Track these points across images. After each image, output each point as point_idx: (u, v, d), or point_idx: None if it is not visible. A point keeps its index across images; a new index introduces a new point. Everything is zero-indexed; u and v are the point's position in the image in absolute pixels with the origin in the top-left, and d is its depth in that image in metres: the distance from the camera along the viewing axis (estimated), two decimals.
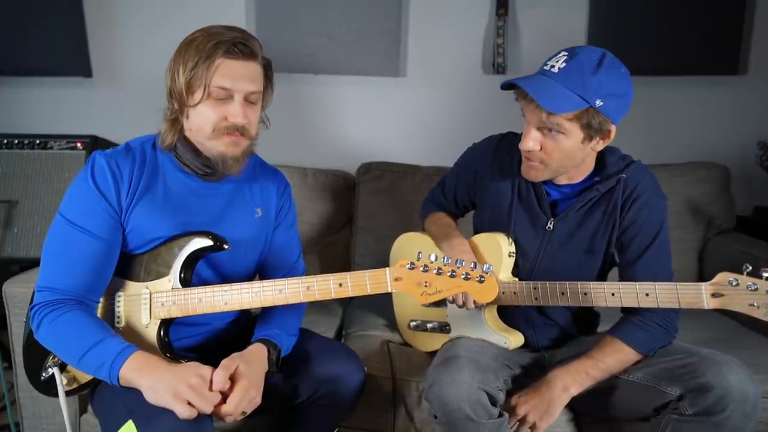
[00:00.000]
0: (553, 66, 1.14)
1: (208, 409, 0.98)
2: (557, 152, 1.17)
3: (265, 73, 1.15)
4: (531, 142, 1.18)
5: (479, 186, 1.42)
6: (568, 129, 1.14)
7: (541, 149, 1.18)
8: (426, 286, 1.09)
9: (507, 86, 1.19)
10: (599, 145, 1.19)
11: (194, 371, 1.00)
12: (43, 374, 1.14)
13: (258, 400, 1.07)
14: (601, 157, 1.29)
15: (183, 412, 0.95)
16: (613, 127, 1.17)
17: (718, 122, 2.29)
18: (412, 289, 1.09)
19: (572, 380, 1.21)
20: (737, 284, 1.03)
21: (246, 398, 1.04)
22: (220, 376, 1.01)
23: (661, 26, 2.19)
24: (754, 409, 1.08)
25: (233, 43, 1.06)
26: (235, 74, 1.07)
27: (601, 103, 1.11)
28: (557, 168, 1.21)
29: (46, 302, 1.06)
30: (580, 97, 1.10)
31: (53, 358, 1.13)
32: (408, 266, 1.09)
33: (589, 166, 1.27)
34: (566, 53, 1.14)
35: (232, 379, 1.03)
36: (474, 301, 1.24)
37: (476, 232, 1.42)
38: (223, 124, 1.09)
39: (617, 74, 1.13)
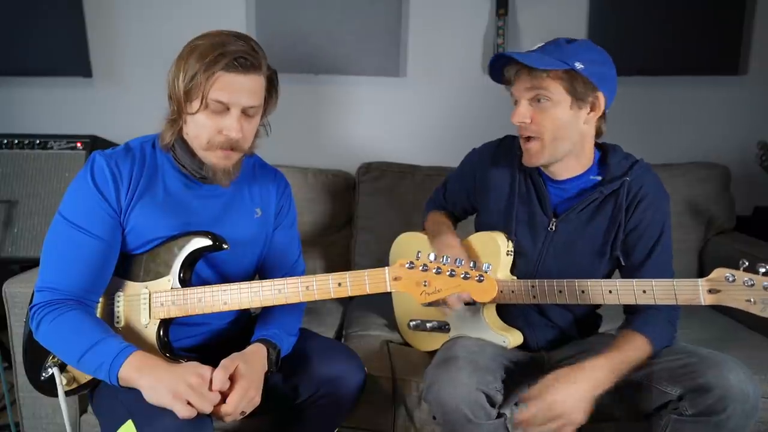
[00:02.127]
0: (531, 49, 1.22)
1: (207, 408, 0.98)
2: (548, 121, 1.19)
3: (269, 83, 1.14)
4: (519, 115, 1.20)
5: (479, 190, 1.42)
6: (553, 92, 1.17)
7: (531, 122, 1.20)
8: (425, 285, 1.08)
9: (495, 72, 1.25)
10: (591, 117, 1.21)
11: (194, 371, 1.00)
12: (43, 374, 1.14)
13: (257, 401, 1.07)
14: (604, 155, 1.29)
15: (182, 411, 0.95)
16: (600, 95, 1.19)
17: (718, 122, 2.29)
18: (411, 289, 1.09)
19: (605, 376, 1.12)
20: (733, 280, 1.03)
21: (245, 398, 1.04)
22: (220, 375, 1.01)
23: (661, 26, 2.19)
24: (755, 409, 1.07)
25: (235, 57, 1.04)
26: (234, 88, 1.06)
27: (581, 66, 1.15)
28: (553, 142, 1.20)
29: (45, 302, 1.06)
30: (560, 60, 1.15)
31: (53, 358, 1.13)
32: (407, 265, 1.09)
33: (589, 155, 1.27)
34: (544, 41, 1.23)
35: (232, 378, 1.03)
36: (473, 300, 1.23)
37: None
38: (217, 139, 1.09)
39: (592, 48, 1.20)
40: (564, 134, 1.20)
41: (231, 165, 1.13)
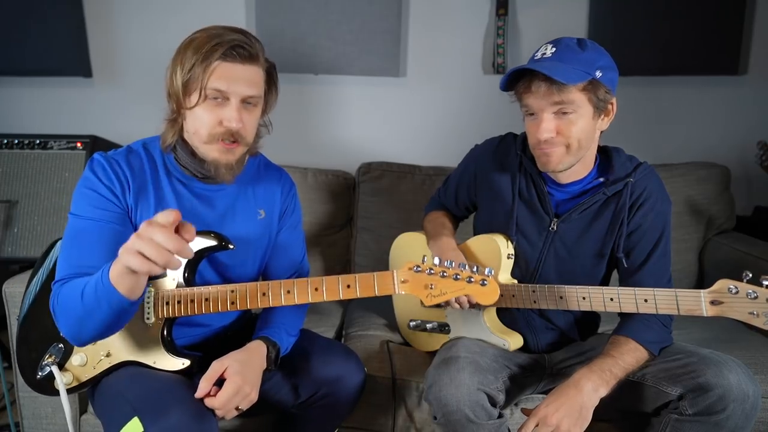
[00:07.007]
0: (544, 54, 1.17)
1: (160, 258, 0.82)
2: (573, 131, 1.16)
3: (268, 77, 1.14)
4: (546, 131, 1.16)
5: (479, 187, 1.42)
6: (578, 104, 1.15)
7: (557, 134, 1.17)
8: (431, 288, 1.09)
9: (507, 84, 1.19)
10: (604, 123, 1.21)
11: (146, 222, 0.84)
12: (40, 373, 1.14)
13: (254, 397, 1.07)
14: (606, 158, 1.29)
15: (136, 264, 0.83)
16: (614, 101, 1.19)
17: (718, 122, 2.30)
18: (418, 291, 1.10)
19: (600, 380, 1.13)
20: (737, 292, 1.02)
21: (239, 395, 1.04)
22: (203, 385, 1.02)
23: (661, 26, 2.19)
24: (754, 409, 1.08)
25: (232, 45, 1.04)
26: (232, 77, 1.05)
27: (600, 74, 1.14)
28: (577, 150, 1.19)
29: (62, 279, 1.04)
30: (582, 71, 1.13)
31: (50, 356, 1.13)
32: (414, 269, 1.10)
33: (591, 158, 1.26)
34: (549, 43, 1.18)
35: (224, 377, 1.04)
36: (474, 302, 1.24)
37: (476, 234, 1.42)
38: (218, 130, 1.07)
39: (600, 50, 1.18)
40: (587, 143, 1.20)
41: (234, 160, 1.12)
